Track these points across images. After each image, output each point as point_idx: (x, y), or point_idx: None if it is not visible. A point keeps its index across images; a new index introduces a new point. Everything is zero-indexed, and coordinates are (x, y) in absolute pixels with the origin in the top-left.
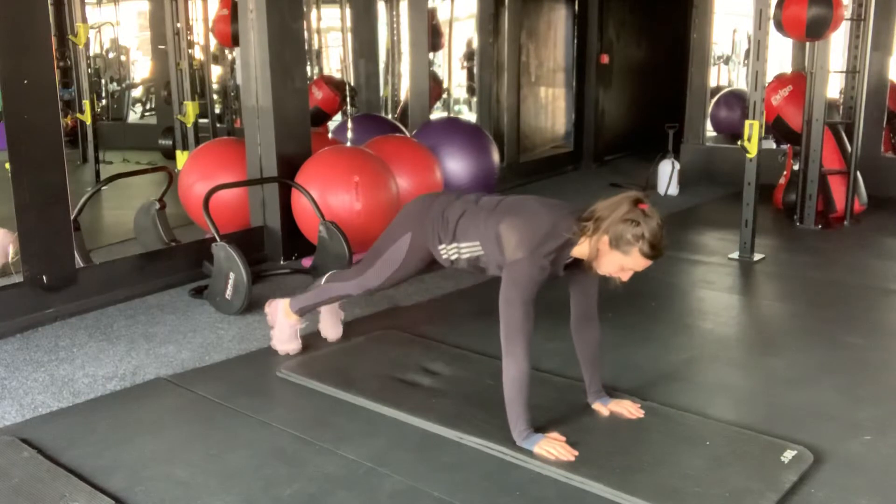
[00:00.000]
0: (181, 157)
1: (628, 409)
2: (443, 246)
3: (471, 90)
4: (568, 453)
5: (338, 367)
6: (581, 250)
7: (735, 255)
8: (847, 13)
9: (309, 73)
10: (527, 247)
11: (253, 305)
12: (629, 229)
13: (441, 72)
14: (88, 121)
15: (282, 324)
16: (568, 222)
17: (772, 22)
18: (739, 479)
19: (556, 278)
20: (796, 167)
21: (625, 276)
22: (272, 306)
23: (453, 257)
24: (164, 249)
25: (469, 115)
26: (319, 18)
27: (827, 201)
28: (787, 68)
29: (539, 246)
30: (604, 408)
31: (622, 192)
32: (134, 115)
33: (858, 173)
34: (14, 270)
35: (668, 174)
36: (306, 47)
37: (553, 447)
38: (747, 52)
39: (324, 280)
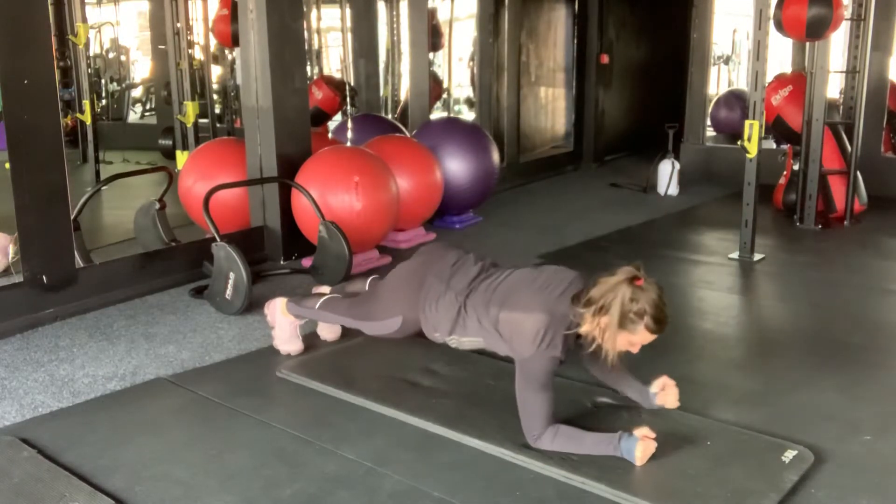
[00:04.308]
0: (181, 157)
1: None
2: (438, 334)
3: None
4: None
5: (338, 367)
6: (586, 330)
7: (735, 255)
8: (847, 13)
9: (309, 73)
10: (532, 345)
11: (253, 305)
12: (631, 308)
13: (441, 72)
14: (88, 121)
15: (281, 322)
16: (564, 304)
17: (772, 22)
18: (741, 479)
19: (573, 354)
20: (796, 167)
21: (634, 350)
22: (271, 306)
23: (453, 344)
24: (164, 249)
25: (469, 115)
26: (319, 18)
27: (827, 201)
28: (787, 68)
29: (543, 340)
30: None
31: (626, 190)
32: (134, 115)
33: (858, 173)
34: (14, 270)
35: (668, 174)
36: (306, 47)
37: (649, 450)
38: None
39: (318, 304)
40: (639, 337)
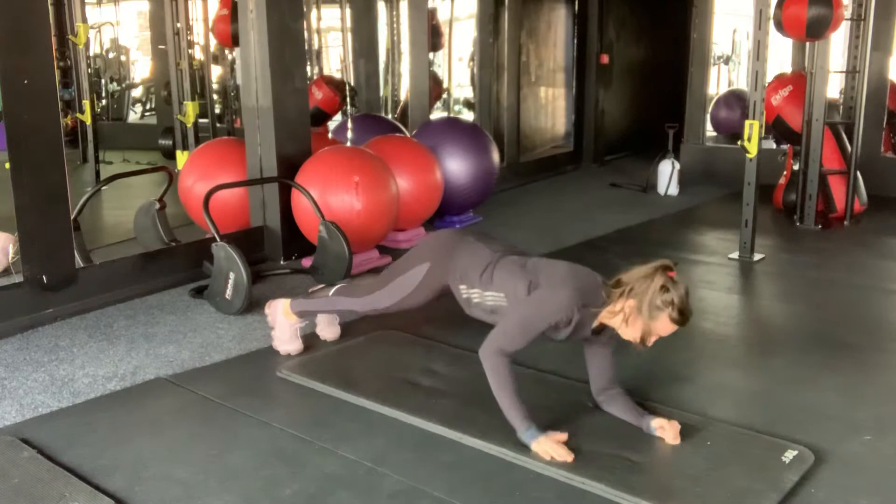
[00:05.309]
0: (181, 157)
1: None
2: (464, 287)
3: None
4: (566, 454)
5: (338, 368)
6: (608, 314)
7: (735, 255)
8: (847, 13)
9: (309, 73)
10: (563, 285)
11: (253, 305)
12: (659, 295)
13: (441, 72)
14: (88, 121)
15: (282, 324)
16: (595, 282)
17: (772, 22)
18: (741, 479)
19: (582, 339)
20: (796, 167)
21: (649, 343)
22: (272, 307)
23: (475, 300)
24: (164, 249)
25: (468, 117)
26: (319, 18)
27: (827, 201)
28: (787, 68)
29: (574, 288)
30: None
31: (626, 190)
32: (134, 115)
33: (858, 173)
34: (14, 270)
35: (668, 174)
36: (306, 47)
37: (552, 448)
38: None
39: (332, 292)
40: (659, 325)
